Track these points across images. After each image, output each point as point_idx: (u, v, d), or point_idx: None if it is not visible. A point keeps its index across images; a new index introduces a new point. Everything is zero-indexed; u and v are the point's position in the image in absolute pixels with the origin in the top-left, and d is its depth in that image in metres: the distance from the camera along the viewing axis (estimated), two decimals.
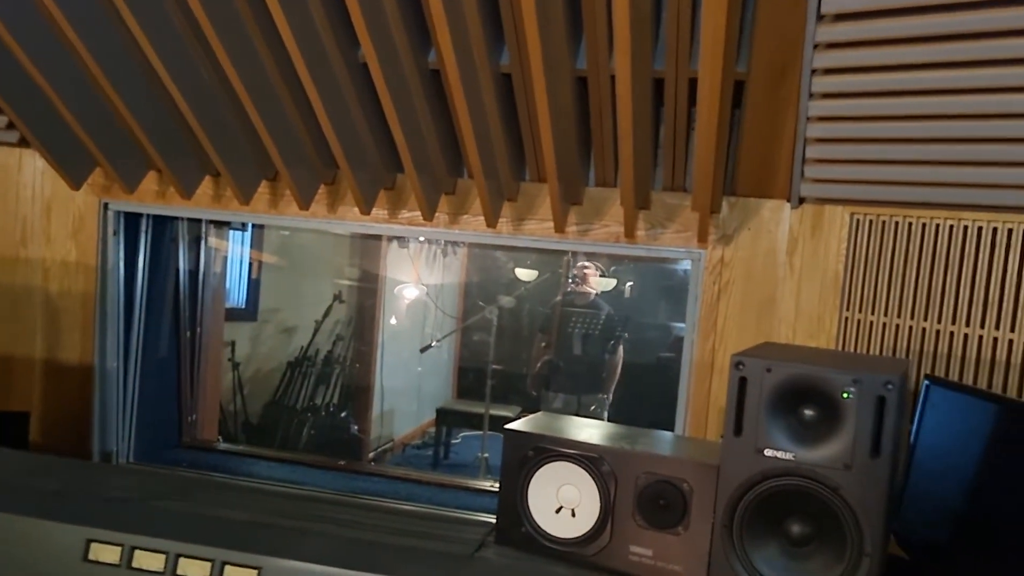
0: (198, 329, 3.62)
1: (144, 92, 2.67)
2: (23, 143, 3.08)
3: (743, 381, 1.58)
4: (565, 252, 5.43)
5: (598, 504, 1.72)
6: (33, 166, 3.15)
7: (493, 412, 5.62)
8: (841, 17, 2.01)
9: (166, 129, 2.80)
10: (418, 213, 2.83)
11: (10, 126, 2.96)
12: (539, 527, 1.77)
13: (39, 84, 2.60)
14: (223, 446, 3.85)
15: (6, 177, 3.18)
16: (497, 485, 1.84)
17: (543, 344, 5.79)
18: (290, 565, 1.57)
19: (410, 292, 6.31)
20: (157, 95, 2.69)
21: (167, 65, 2.44)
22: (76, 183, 3.07)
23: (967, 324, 2.24)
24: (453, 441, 6.32)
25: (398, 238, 5.74)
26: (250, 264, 5.39)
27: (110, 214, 3.14)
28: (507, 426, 1.84)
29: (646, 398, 5.56)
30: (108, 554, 1.62)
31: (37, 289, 3.18)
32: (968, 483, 1.88)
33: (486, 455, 5.63)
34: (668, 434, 2.02)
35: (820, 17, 2.02)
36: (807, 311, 2.51)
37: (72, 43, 2.43)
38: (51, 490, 1.85)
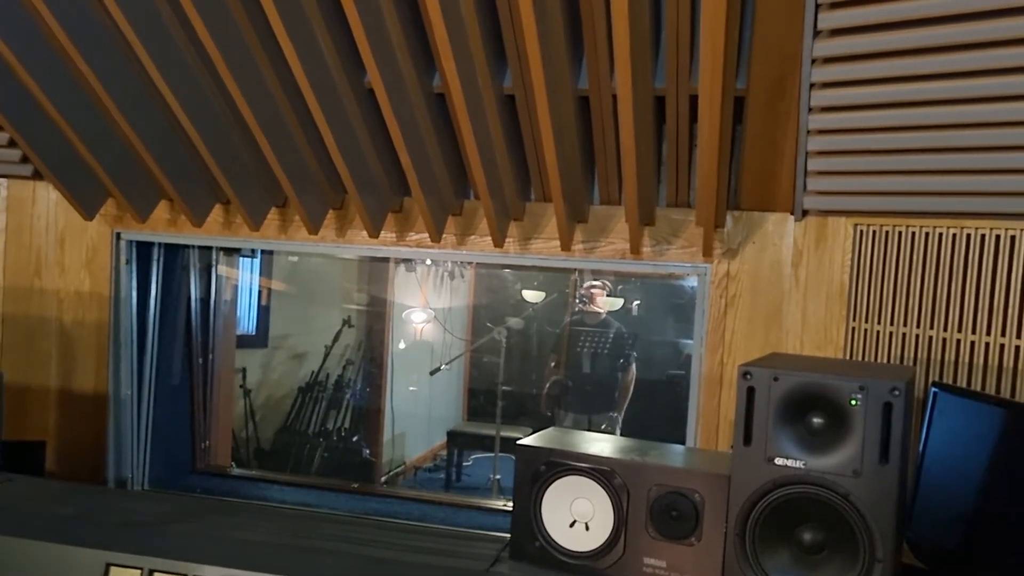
0: (210, 356, 3.65)
1: (155, 122, 2.73)
2: (37, 176, 3.13)
3: (751, 391, 1.60)
4: (572, 272, 5.45)
5: (611, 517, 1.74)
6: (47, 198, 3.21)
7: (504, 434, 5.61)
8: (837, 32, 2.04)
9: (177, 158, 2.85)
10: (426, 235, 2.86)
11: (24, 159, 3.01)
12: (553, 541, 1.78)
13: (52, 117, 2.66)
14: (236, 471, 3.86)
15: (21, 209, 3.23)
16: (510, 505, 1.86)
17: (552, 364, 5.80)
18: None
19: (418, 316, 6.33)
20: (168, 125, 2.74)
21: (177, 95, 2.50)
22: (89, 214, 3.12)
23: (973, 331, 2.25)
24: (464, 463, 6.32)
25: (405, 262, 5.78)
26: (259, 291, 5.43)
27: (123, 243, 3.18)
28: (519, 441, 1.86)
29: (655, 416, 5.55)
30: None
31: (52, 319, 3.22)
32: (979, 489, 1.88)
33: (498, 476, 5.62)
34: (679, 447, 2.03)
35: (817, 33, 2.05)
36: (814, 322, 2.52)
37: (84, 76, 2.48)
38: (70, 516, 1.88)
